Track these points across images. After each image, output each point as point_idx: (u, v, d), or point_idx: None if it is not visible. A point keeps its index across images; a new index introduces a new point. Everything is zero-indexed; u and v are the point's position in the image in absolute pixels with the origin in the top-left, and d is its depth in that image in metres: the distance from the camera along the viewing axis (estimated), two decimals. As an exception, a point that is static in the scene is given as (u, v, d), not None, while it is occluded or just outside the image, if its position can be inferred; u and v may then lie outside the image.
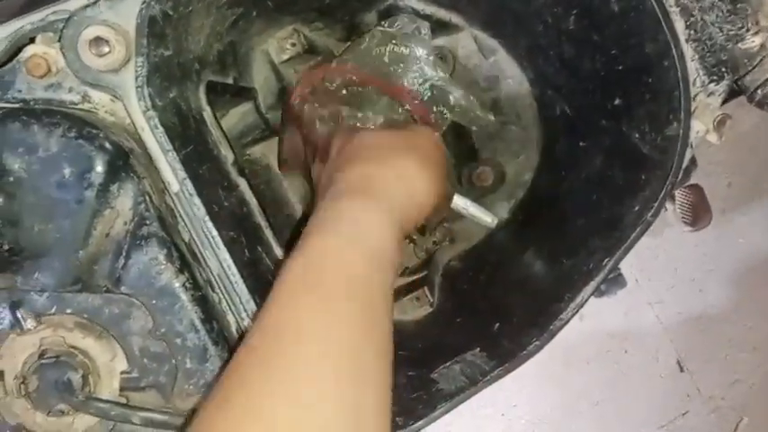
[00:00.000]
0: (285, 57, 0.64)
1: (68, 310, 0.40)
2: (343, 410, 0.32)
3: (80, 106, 0.42)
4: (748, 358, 1.43)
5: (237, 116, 0.62)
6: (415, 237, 0.73)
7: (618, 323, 1.40)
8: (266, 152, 0.64)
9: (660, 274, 1.41)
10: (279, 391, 0.32)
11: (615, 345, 1.40)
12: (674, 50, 0.46)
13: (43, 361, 0.39)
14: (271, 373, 0.33)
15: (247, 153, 0.62)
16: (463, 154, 0.73)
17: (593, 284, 0.48)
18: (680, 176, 0.52)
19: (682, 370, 1.41)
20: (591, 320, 1.39)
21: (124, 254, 0.41)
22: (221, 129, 0.51)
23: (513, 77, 0.72)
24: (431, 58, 0.62)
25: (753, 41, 0.50)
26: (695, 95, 0.48)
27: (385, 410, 0.35)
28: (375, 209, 0.40)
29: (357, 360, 0.34)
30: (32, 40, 0.42)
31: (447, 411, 0.46)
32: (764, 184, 1.45)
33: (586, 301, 0.48)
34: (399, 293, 0.69)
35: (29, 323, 0.39)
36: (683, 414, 1.41)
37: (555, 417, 1.38)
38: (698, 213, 1.28)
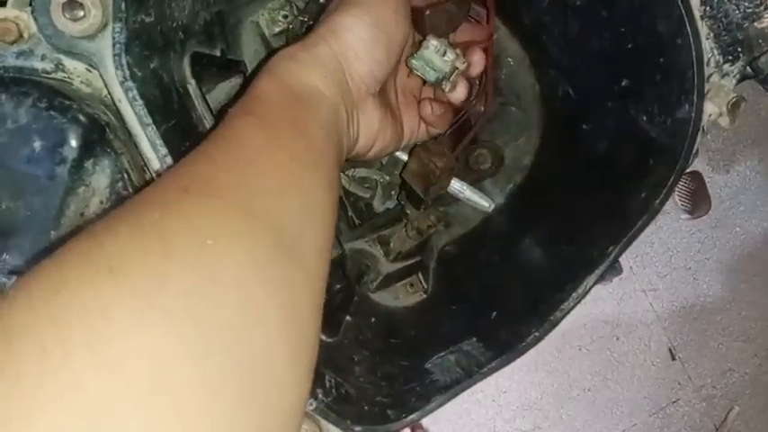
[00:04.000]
0: (277, 29, 0.61)
1: (39, 295, 0.37)
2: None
3: (53, 75, 0.39)
4: (741, 348, 1.43)
5: (226, 90, 0.58)
6: (408, 210, 0.70)
7: (611, 310, 1.39)
8: (256, 129, 0.61)
9: (655, 262, 1.40)
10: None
11: (608, 332, 1.40)
12: (688, 28, 0.44)
13: (12, 348, 0.37)
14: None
15: (236, 130, 0.59)
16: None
17: (596, 273, 0.46)
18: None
19: (674, 358, 1.41)
20: (584, 307, 1.38)
21: (100, 235, 0.38)
22: (207, 103, 0.48)
23: (513, 56, 0.69)
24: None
25: (770, 21, 0.47)
26: (709, 76, 0.46)
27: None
28: (302, 64, 0.39)
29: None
30: (3, 4, 0.39)
31: (442, 404, 0.44)
32: (764, 171, 1.44)
33: (589, 290, 0.46)
34: (392, 279, 0.67)
35: (-4, 307, 0.37)
36: (673, 402, 1.41)
37: (545, 403, 1.37)
38: (697, 201, 1.27)
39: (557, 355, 1.37)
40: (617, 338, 1.40)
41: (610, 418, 1.39)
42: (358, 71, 0.42)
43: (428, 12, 0.49)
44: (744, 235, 1.42)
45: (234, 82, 0.59)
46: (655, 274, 1.40)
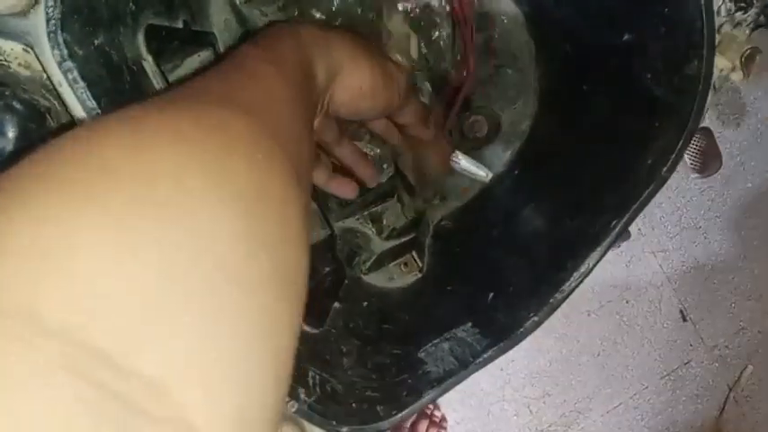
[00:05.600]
0: (248, -5, 0.56)
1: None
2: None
3: (-12, 59, 0.35)
4: (754, 306, 1.39)
5: (195, 66, 0.54)
6: (403, 195, 0.67)
7: (619, 273, 1.36)
8: (231, 106, 0.56)
9: (664, 222, 1.36)
10: None
11: (616, 295, 1.36)
12: (696, -28, 0.39)
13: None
14: None
15: (209, 108, 0.55)
16: (453, 102, 0.66)
17: (599, 250, 0.42)
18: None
19: (685, 319, 1.38)
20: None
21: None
22: (167, 81, 0.43)
23: (507, 14, 0.64)
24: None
25: (787, -40, 0.42)
26: (719, 26, 0.41)
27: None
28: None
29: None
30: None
31: (433, 399, 0.41)
32: (775, 125, 1.38)
33: (591, 269, 0.42)
34: (385, 259, 0.63)
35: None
36: (685, 363, 1.39)
37: (554, 370, 1.35)
38: (707, 159, 1.22)
39: (565, 322, 1.35)
40: (626, 302, 1.36)
41: (620, 383, 1.36)
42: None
43: None
44: (756, 191, 1.37)
45: (203, 56, 0.54)
46: (664, 234, 1.36)
